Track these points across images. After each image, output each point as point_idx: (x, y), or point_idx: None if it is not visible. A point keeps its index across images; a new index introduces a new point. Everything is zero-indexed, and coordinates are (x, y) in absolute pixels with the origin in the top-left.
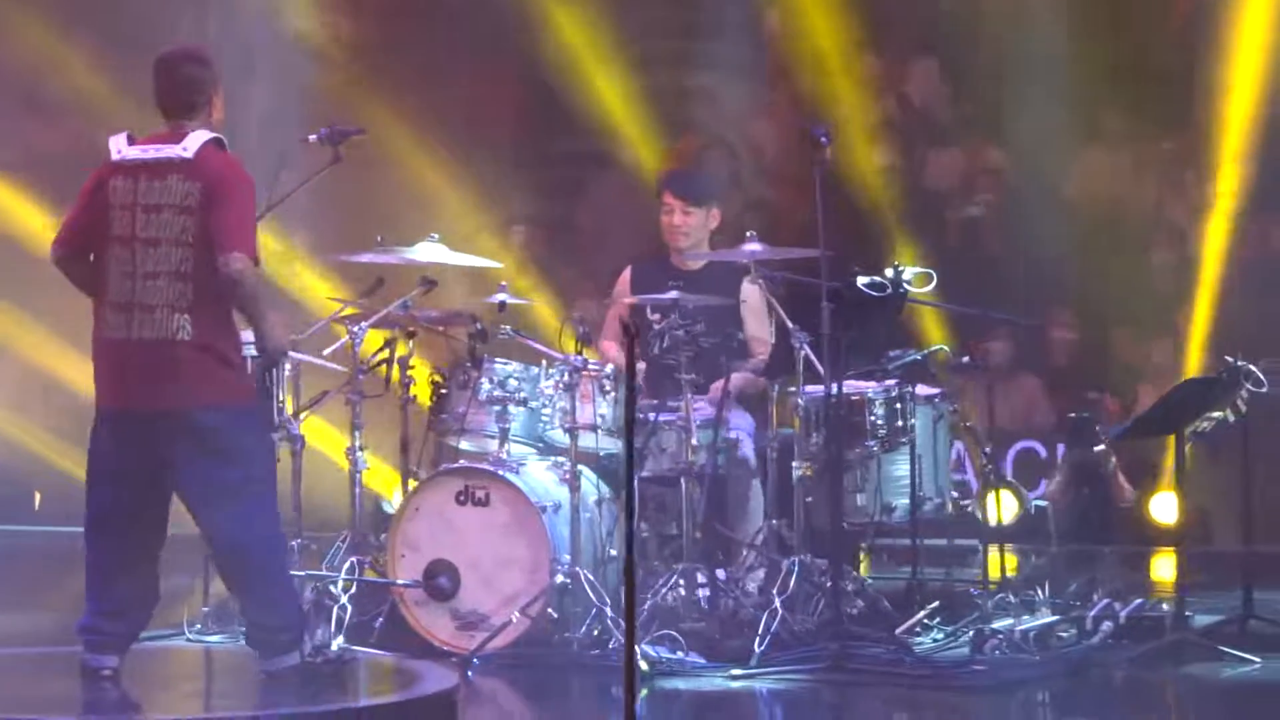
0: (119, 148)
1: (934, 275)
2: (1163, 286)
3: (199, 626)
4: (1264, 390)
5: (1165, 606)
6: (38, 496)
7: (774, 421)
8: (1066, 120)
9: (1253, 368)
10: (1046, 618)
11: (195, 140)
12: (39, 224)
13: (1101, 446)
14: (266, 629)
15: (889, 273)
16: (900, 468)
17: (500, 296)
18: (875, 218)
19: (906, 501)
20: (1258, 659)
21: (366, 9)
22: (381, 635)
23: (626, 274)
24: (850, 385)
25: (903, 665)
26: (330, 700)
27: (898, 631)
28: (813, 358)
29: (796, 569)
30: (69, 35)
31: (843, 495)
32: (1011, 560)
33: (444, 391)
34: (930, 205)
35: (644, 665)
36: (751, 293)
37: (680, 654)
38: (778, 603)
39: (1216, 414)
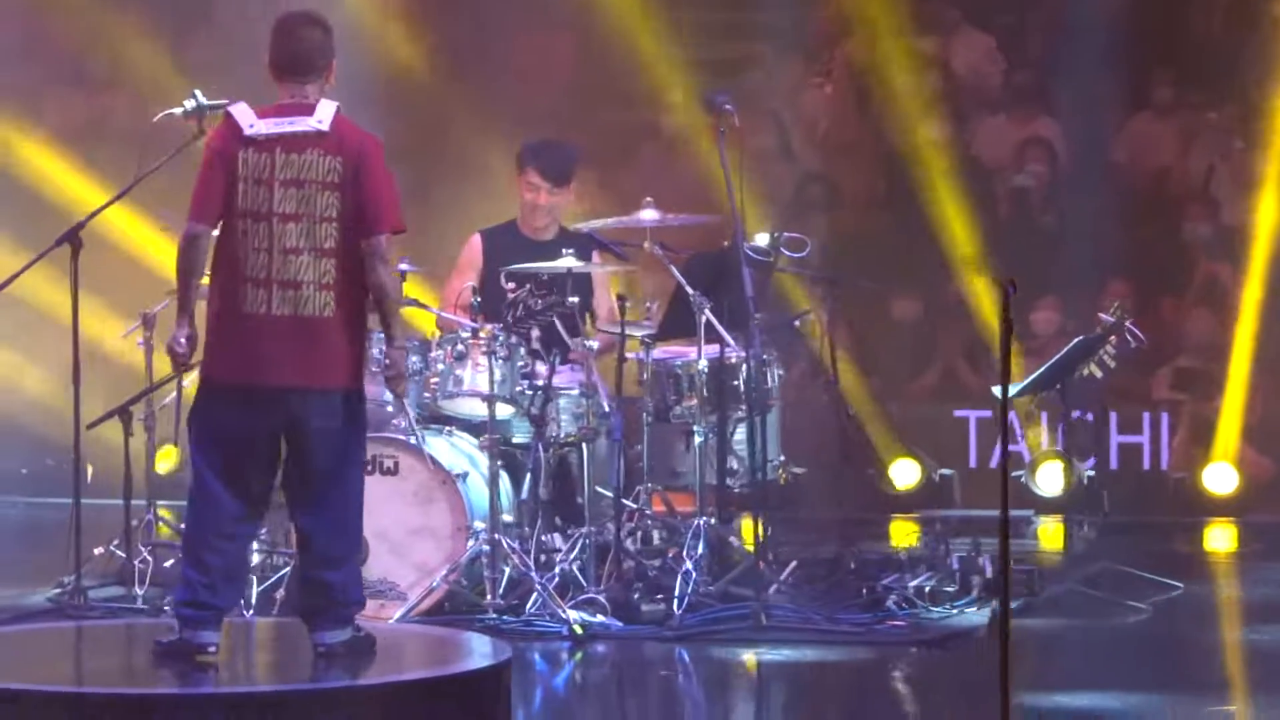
0: (249, 121)
1: (808, 242)
2: (1206, 256)
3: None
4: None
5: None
6: (90, 469)
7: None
8: (1116, 90)
9: (1130, 326)
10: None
11: (327, 111)
12: (90, 195)
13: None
14: (339, 602)
15: (763, 239)
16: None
17: (403, 266)
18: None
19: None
20: (1179, 584)
21: None
22: (283, 605)
23: (476, 242)
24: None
25: (820, 624)
26: (385, 673)
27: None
28: (714, 322)
29: (703, 531)
30: (118, 7)
31: (726, 457)
32: (1060, 530)
33: None
34: (980, 176)
35: (578, 629)
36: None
37: (602, 618)
38: (689, 564)
39: (1084, 370)
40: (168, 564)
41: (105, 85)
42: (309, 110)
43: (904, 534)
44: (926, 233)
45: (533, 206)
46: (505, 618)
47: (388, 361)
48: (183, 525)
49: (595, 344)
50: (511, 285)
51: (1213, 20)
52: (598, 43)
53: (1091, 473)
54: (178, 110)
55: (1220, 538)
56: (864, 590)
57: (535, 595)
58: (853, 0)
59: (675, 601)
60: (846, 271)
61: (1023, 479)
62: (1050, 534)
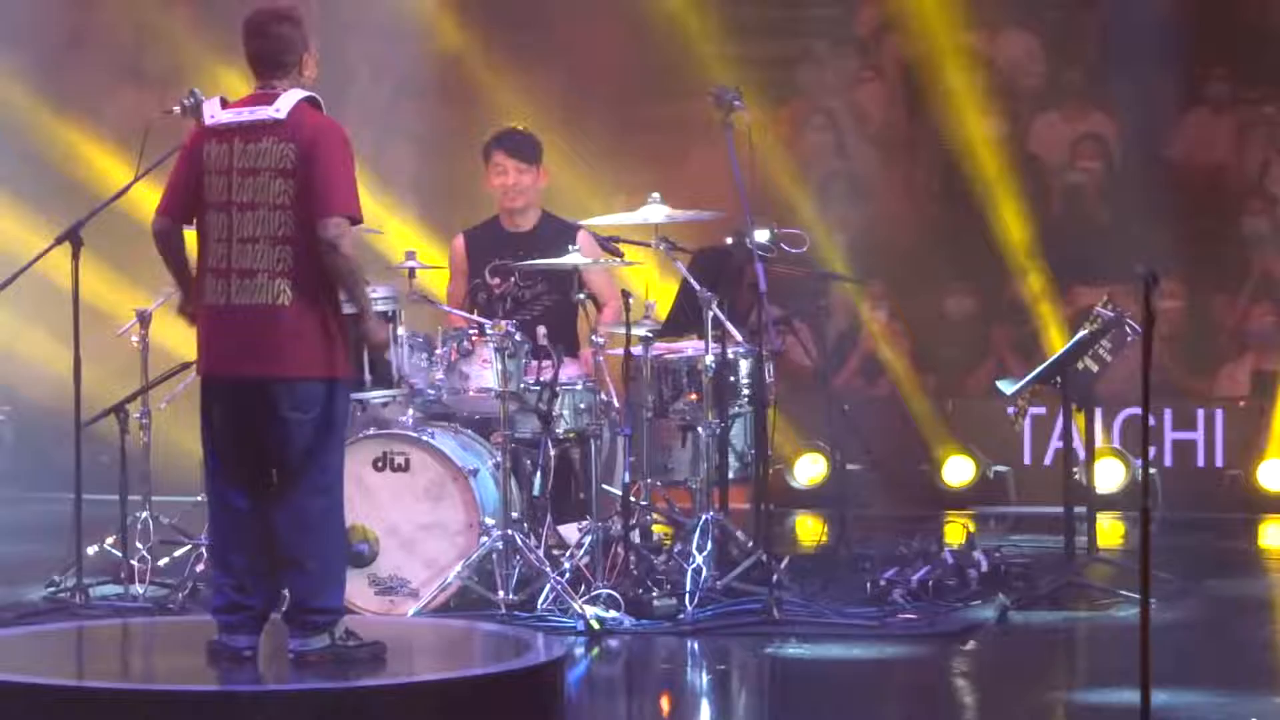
0: (212, 112)
1: (807, 238)
2: (1262, 252)
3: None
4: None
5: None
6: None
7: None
8: (1170, 85)
9: (1128, 320)
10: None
11: (288, 100)
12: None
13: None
14: (306, 608)
15: (762, 234)
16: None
17: (411, 263)
18: None
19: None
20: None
21: None
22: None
23: (459, 244)
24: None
25: (832, 618)
26: (442, 669)
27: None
28: (722, 318)
29: (711, 526)
30: (169, 5)
31: (728, 451)
32: (1119, 527)
33: None
34: (1035, 172)
35: (595, 625)
36: (585, 243)
37: (614, 613)
38: (699, 559)
39: (1081, 364)
40: (163, 562)
41: (163, 83)
42: (271, 100)
43: (958, 531)
44: (980, 229)
45: (504, 189)
46: (517, 614)
47: (363, 336)
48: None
49: (602, 340)
50: (497, 280)
51: (1267, 14)
52: (650, 38)
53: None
54: (176, 108)
55: (1275, 534)
56: (867, 585)
57: (546, 591)
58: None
59: (686, 596)
60: (875, 269)
61: (1077, 475)
62: (1106, 530)
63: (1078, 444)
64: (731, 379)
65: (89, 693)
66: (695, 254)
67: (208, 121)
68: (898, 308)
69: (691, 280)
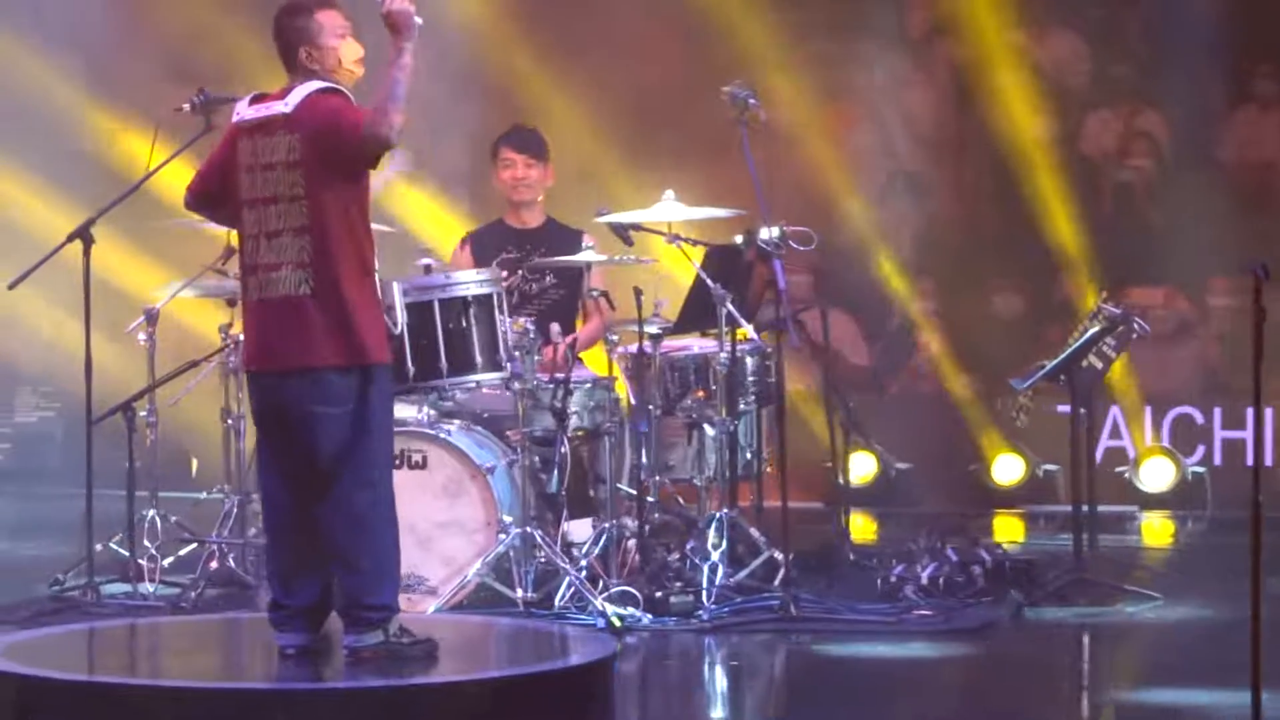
0: (239, 109)
1: (815, 236)
2: None
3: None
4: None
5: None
6: (194, 463)
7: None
8: (1218, 82)
9: (1136, 318)
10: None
11: (299, 94)
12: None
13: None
14: (359, 605)
15: (770, 232)
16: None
17: (425, 260)
18: None
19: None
20: (1159, 595)
21: None
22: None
23: (466, 248)
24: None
25: (849, 614)
26: (493, 667)
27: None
28: (736, 315)
29: (725, 522)
30: (225, 5)
31: (737, 448)
32: (1169, 526)
33: None
34: (1084, 171)
35: (616, 622)
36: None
37: (633, 610)
38: (715, 556)
39: (1084, 363)
40: (167, 561)
41: (214, 81)
42: (285, 95)
43: (1008, 529)
44: (1030, 228)
45: (513, 181)
46: (535, 611)
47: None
48: None
49: (616, 337)
50: (504, 274)
51: None
52: (701, 40)
53: (1199, 469)
54: (186, 106)
55: None
56: (877, 582)
57: (564, 588)
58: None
59: (703, 593)
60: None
61: (1126, 474)
62: (1156, 530)
63: (1127, 443)
64: (739, 376)
65: (153, 690)
66: (708, 250)
67: (234, 119)
68: (946, 306)
69: (705, 276)
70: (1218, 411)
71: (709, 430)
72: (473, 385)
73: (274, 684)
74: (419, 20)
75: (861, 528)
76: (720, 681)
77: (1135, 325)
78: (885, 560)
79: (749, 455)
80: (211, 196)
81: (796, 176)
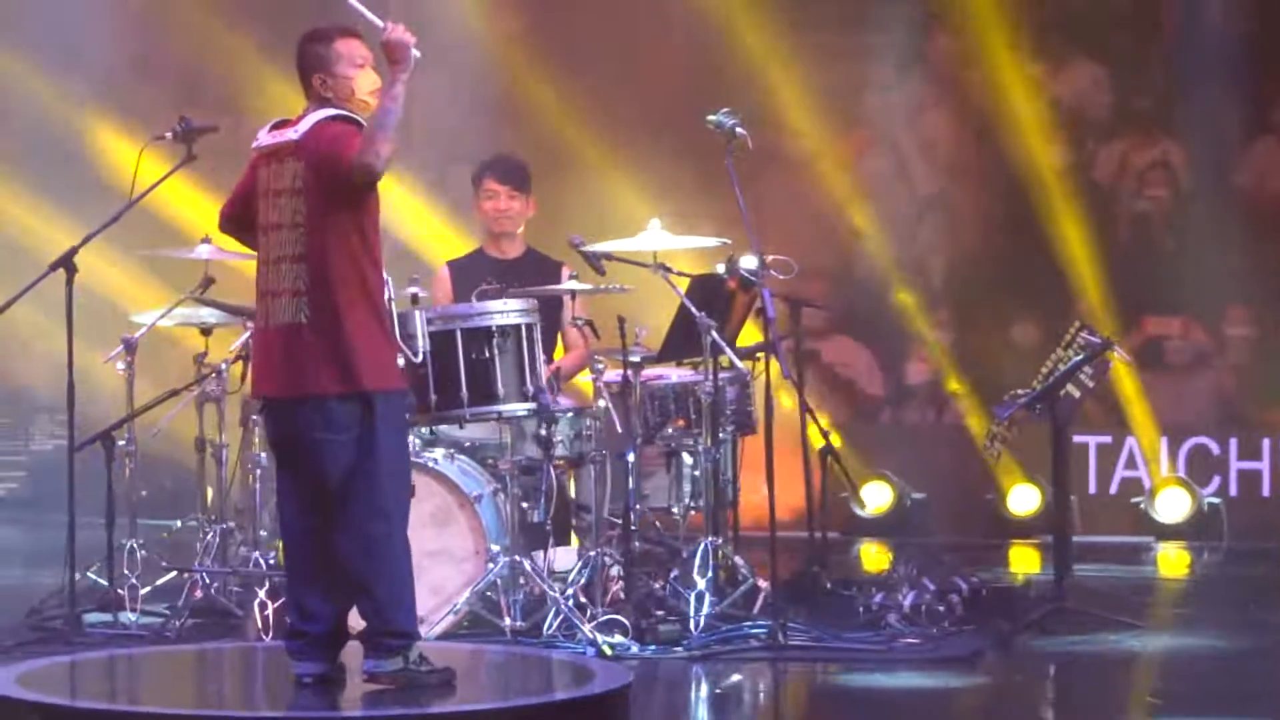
0: (259, 136)
1: (795, 265)
2: None
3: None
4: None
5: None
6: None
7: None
8: (1236, 113)
9: (1117, 347)
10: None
11: (308, 121)
12: (202, 213)
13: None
14: (379, 632)
15: (750, 261)
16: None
17: (412, 289)
18: None
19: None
20: (1141, 624)
21: (535, 1)
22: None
23: (444, 274)
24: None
25: (836, 643)
26: (502, 697)
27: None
28: (722, 344)
29: (711, 551)
30: (235, 28)
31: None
32: (1184, 557)
33: None
34: (1101, 200)
35: (606, 650)
36: (567, 279)
37: (621, 638)
38: (701, 584)
39: (1062, 392)
40: (144, 591)
41: (223, 104)
42: (298, 122)
43: (1024, 560)
44: (1047, 257)
45: (495, 214)
46: (523, 639)
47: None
48: None
49: (602, 364)
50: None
51: None
52: (717, 68)
53: (1215, 500)
54: (168, 134)
55: None
56: (859, 610)
57: (551, 616)
58: (971, 25)
59: (690, 622)
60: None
61: (1142, 505)
62: (1171, 561)
63: (1143, 473)
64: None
65: None
66: (692, 280)
67: (254, 144)
68: (962, 336)
69: (690, 305)
70: (1234, 442)
71: (687, 459)
72: (494, 417)
73: (293, 713)
74: (417, 53)
75: (875, 557)
76: (725, 709)
77: (1117, 353)
78: (865, 589)
79: (726, 484)
80: (239, 221)
81: (815, 207)
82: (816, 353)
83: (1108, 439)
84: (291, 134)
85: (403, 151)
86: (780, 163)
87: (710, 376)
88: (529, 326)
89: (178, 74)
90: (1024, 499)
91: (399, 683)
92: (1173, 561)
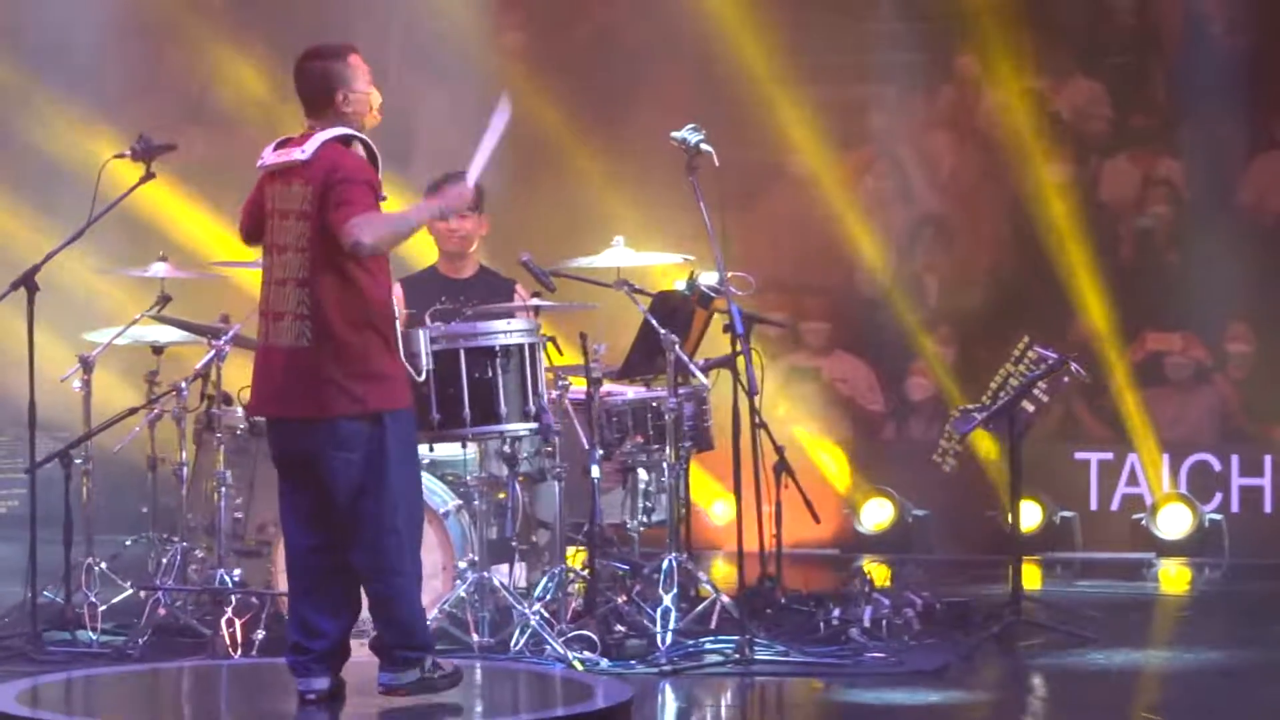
0: (264, 154)
1: (752, 281)
2: None
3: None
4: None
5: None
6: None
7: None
8: (1237, 130)
9: (1073, 364)
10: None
11: (315, 141)
12: (205, 231)
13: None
14: (396, 645)
15: (711, 277)
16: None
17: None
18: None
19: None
20: (1094, 637)
21: (538, 19)
22: (262, 645)
23: (397, 293)
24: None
25: (801, 656)
26: (518, 711)
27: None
28: (684, 359)
29: (675, 566)
30: (240, 45)
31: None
32: (1185, 573)
33: None
34: (1104, 217)
35: (578, 665)
36: (519, 298)
37: (589, 654)
38: (667, 600)
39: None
40: (102, 609)
41: (227, 123)
42: (304, 141)
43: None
44: (1049, 274)
45: (447, 233)
46: (492, 655)
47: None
48: None
49: (566, 381)
50: (437, 324)
51: None
52: (721, 86)
53: (1216, 516)
54: (127, 152)
55: None
56: (820, 625)
57: (519, 632)
58: (974, 43)
59: (658, 637)
60: (762, 315)
61: (1144, 521)
62: (1172, 577)
63: (1144, 489)
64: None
65: None
66: (655, 297)
67: (259, 163)
68: (964, 352)
69: (653, 322)
70: (1235, 458)
71: (643, 474)
72: (496, 436)
73: None
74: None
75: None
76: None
77: (1073, 369)
78: (824, 603)
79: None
80: (253, 234)
81: (816, 225)
82: (817, 369)
83: (1109, 455)
84: (299, 154)
85: (402, 171)
86: (782, 180)
87: (673, 392)
88: (532, 346)
89: (182, 92)
90: (1026, 515)
91: (416, 693)
92: (1174, 578)
